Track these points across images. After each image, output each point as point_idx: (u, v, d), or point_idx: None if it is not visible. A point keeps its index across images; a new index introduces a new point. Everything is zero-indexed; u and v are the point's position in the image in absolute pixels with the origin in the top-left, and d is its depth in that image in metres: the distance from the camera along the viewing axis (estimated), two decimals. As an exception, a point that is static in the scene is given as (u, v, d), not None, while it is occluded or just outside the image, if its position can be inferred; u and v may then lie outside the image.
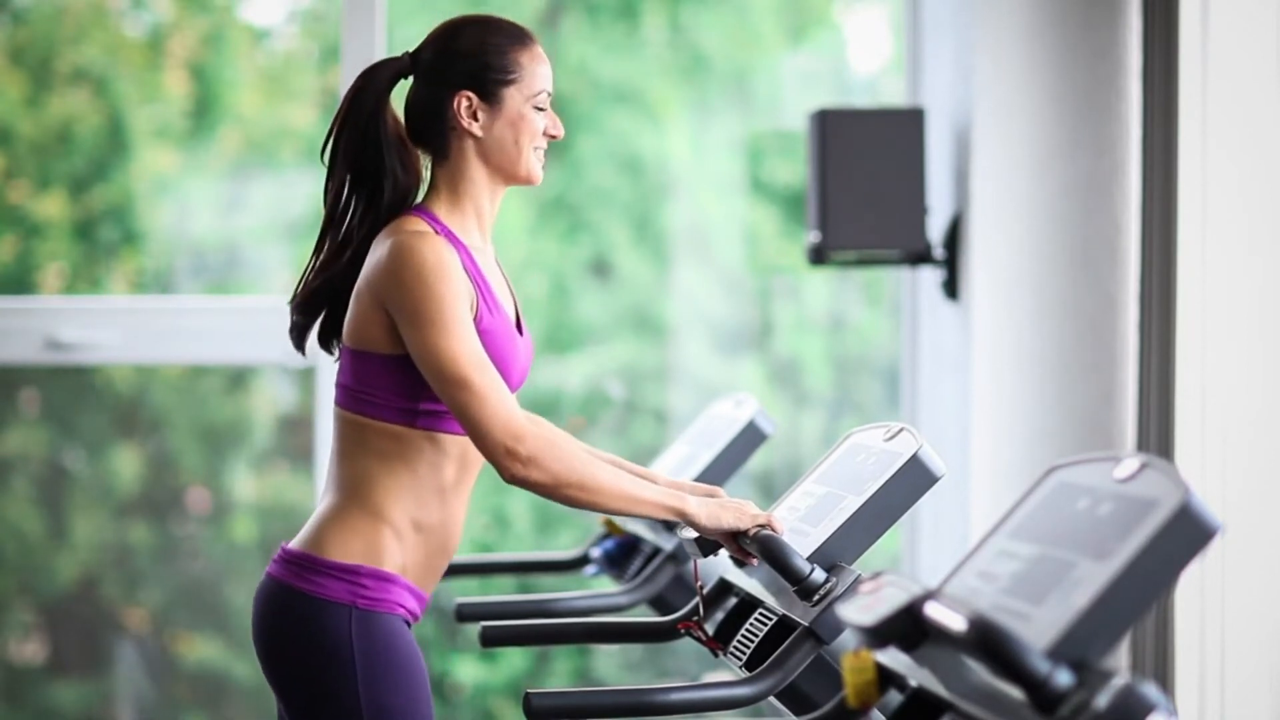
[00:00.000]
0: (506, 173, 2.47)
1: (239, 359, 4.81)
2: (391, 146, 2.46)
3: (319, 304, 2.50)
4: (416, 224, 2.42)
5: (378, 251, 2.40)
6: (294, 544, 2.43)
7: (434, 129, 2.46)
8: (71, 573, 5.03)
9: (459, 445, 2.43)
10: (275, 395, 5.14)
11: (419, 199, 2.49)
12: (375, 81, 2.47)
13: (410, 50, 2.50)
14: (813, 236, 4.25)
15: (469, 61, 2.44)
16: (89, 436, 5.01)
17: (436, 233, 2.41)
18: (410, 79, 2.49)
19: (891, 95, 5.26)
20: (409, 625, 2.44)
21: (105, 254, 5.07)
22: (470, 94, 2.44)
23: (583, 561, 3.41)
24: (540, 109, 2.47)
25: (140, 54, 5.09)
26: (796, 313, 5.33)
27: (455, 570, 3.57)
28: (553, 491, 2.34)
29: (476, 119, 2.44)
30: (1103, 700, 1.62)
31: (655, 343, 5.30)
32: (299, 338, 2.53)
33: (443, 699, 5.16)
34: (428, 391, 2.38)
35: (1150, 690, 1.62)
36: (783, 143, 5.25)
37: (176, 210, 5.08)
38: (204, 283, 5.08)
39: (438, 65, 2.45)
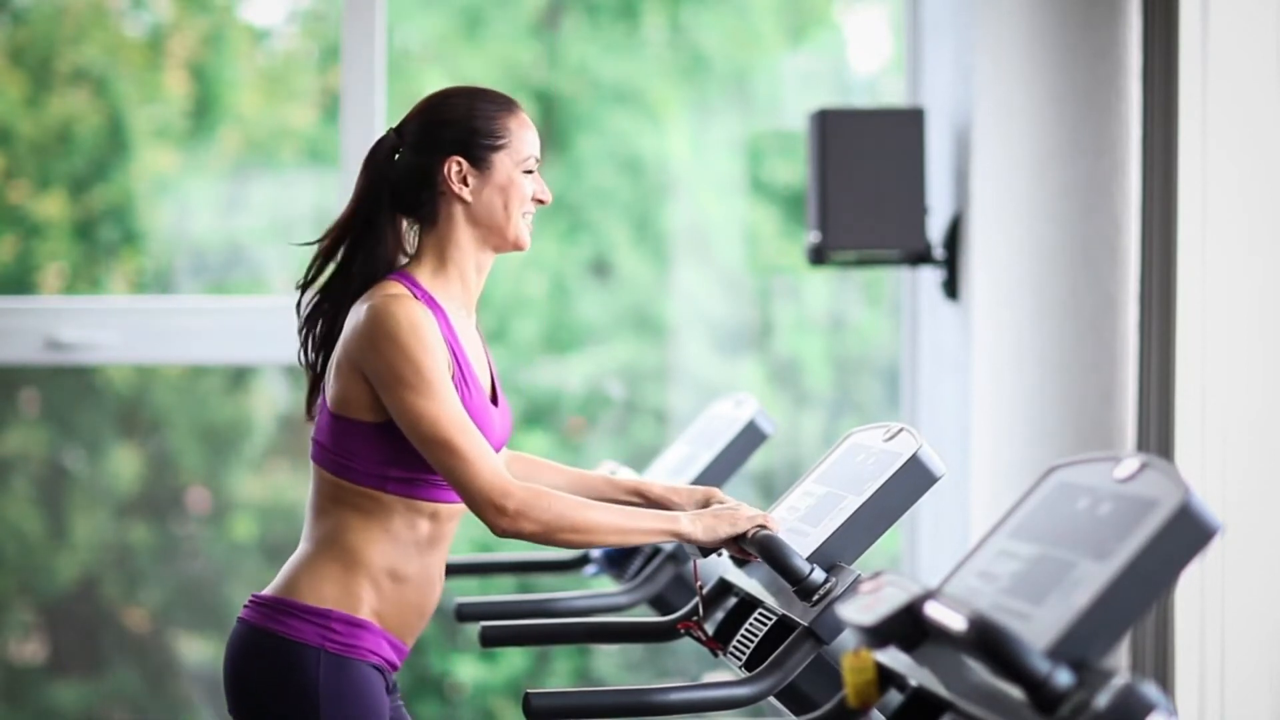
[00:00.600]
0: (496, 237, 2.49)
1: (239, 359, 4.81)
2: (388, 220, 2.47)
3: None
4: (394, 288, 2.42)
5: (354, 318, 2.41)
6: (267, 591, 2.44)
7: (423, 196, 2.47)
8: (71, 573, 5.03)
9: (431, 506, 2.45)
10: (275, 395, 5.14)
11: (402, 265, 2.50)
12: (378, 159, 2.49)
13: (394, 126, 2.51)
14: (813, 236, 4.25)
15: (457, 128, 2.46)
16: (89, 436, 5.01)
17: (415, 297, 2.42)
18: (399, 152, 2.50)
19: (891, 95, 5.26)
20: (384, 674, 2.45)
21: (105, 254, 5.07)
22: (460, 159, 2.46)
23: (583, 561, 3.41)
24: (528, 173, 2.49)
25: (140, 54, 5.09)
26: (796, 313, 5.33)
27: (455, 570, 3.57)
28: (546, 538, 2.36)
29: (466, 184, 2.46)
30: (1103, 700, 1.62)
31: (655, 343, 5.30)
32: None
33: (443, 699, 5.16)
34: (403, 459, 2.40)
35: (1150, 690, 1.62)
36: (783, 143, 5.25)
37: (176, 210, 5.08)
38: (204, 283, 5.08)
39: (426, 133, 2.47)
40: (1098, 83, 3.82)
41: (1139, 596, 1.69)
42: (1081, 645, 1.69)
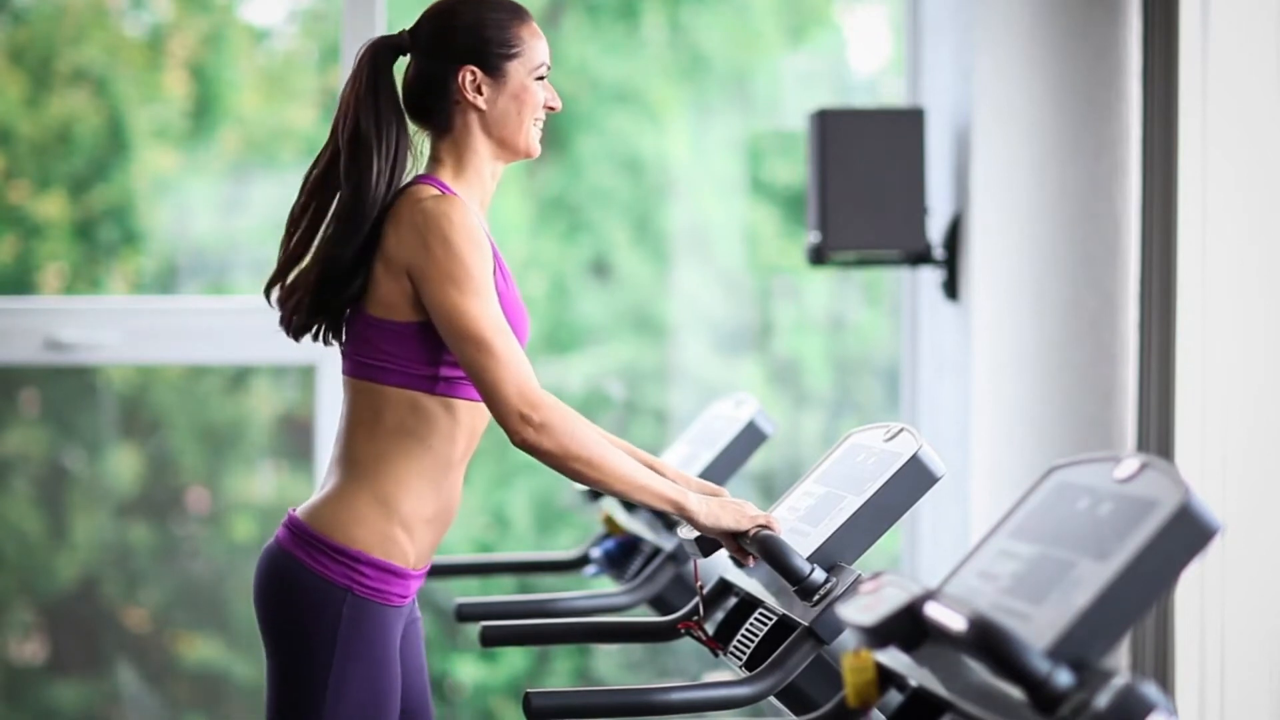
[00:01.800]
0: (508, 145, 2.51)
1: (239, 359, 4.81)
2: (402, 123, 2.48)
3: (338, 290, 2.47)
4: (433, 190, 2.44)
5: (397, 222, 2.41)
6: (303, 516, 2.44)
7: (437, 104, 2.49)
8: (71, 573, 5.03)
9: (470, 416, 2.45)
10: (275, 395, 5.14)
11: (424, 170, 2.51)
12: (380, 55, 2.49)
13: (406, 29, 2.52)
14: (813, 236, 4.25)
15: (470, 36, 2.48)
16: (89, 436, 5.01)
17: (456, 197, 2.44)
18: (407, 57, 2.51)
19: (891, 95, 5.26)
20: (402, 603, 2.46)
21: (105, 254, 5.07)
22: (474, 68, 2.48)
23: (583, 561, 3.41)
24: (540, 79, 2.52)
25: (140, 54, 5.09)
26: (796, 313, 5.33)
27: (455, 570, 3.57)
28: (559, 462, 2.36)
29: (481, 92, 2.48)
30: (1103, 700, 1.62)
31: (655, 343, 5.30)
32: (300, 331, 2.50)
33: (442, 699, 5.16)
34: (446, 356, 2.41)
35: (1150, 690, 1.62)
36: (783, 143, 5.25)
37: (176, 210, 5.08)
38: (204, 283, 5.08)
39: (439, 41, 2.49)
40: (1098, 83, 3.82)
41: (1139, 596, 1.69)
42: (1081, 645, 1.69)
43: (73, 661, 5.04)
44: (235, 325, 4.56)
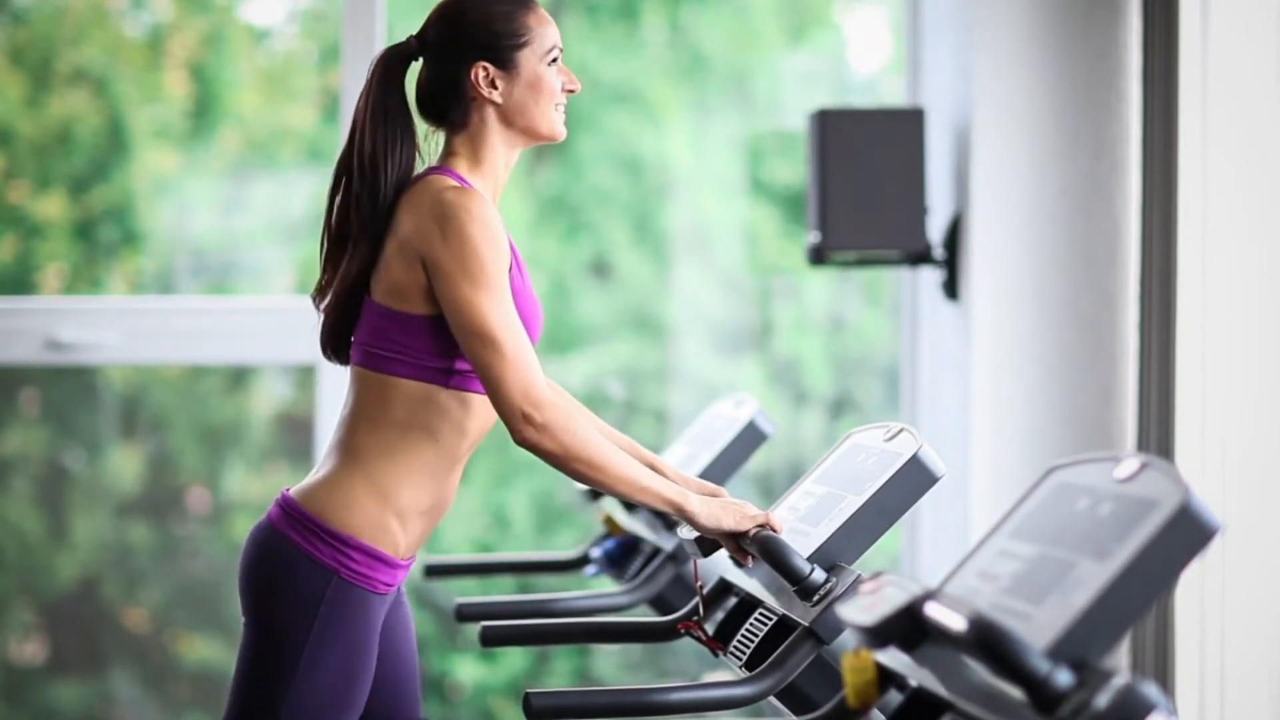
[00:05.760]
0: (531, 133, 2.50)
1: (239, 359, 4.81)
2: (409, 123, 2.48)
3: (355, 301, 2.48)
4: (451, 181, 2.43)
5: (416, 208, 2.40)
6: (297, 496, 2.44)
7: (453, 104, 2.48)
8: (71, 573, 5.03)
9: (485, 409, 2.45)
10: (275, 395, 5.14)
11: (438, 162, 2.50)
12: (391, 67, 2.49)
13: (413, 34, 2.52)
14: (813, 236, 4.25)
15: (478, 32, 2.46)
16: (89, 436, 5.01)
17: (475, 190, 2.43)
18: (419, 61, 2.51)
19: (891, 95, 5.26)
20: (388, 591, 2.46)
21: (105, 254, 5.07)
22: (486, 64, 2.46)
23: (583, 561, 3.41)
24: (554, 63, 2.50)
25: (140, 54, 5.09)
26: (796, 313, 5.33)
27: (455, 570, 3.57)
28: (560, 463, 2.37)
29: (496, 86, 2.47)
30: (1103, 700, 1.62)
31: (655, 343, 5.30)
32: (336, 343, 2.51)
33: (443, 699, 5.16)
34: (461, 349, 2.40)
35: (1150, 690, 1.62)
36: (783, 143, 5.25)
37: (176, 210, 5.08)
38: (204, 283, 5.08)
39: (448, 41, 2.48)
40: (1097, 83, 3.82)
41: (1139, 596, 1.69)
42: (1081, 645, 1.69)
43: (73, 661, 5.04)
44: (235, 325, 4.56)
